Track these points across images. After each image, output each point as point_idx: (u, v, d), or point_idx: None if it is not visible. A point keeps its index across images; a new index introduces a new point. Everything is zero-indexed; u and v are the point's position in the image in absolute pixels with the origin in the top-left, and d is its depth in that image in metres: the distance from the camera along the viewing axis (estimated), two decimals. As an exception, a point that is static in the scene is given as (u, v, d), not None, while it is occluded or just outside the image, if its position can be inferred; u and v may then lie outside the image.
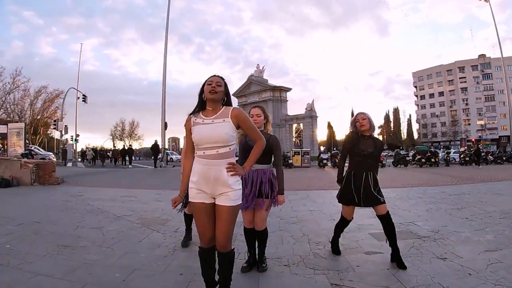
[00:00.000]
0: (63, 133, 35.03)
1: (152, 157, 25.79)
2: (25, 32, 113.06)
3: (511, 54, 56.87)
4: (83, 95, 37.83)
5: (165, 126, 25.55)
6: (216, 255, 2.57)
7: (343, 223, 4.01)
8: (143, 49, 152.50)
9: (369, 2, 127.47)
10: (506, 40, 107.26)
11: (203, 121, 2.51)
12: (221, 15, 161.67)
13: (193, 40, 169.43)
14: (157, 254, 3.98)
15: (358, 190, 3.69)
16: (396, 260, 3.53)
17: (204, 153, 2.45)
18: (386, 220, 3.64)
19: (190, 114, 2.61)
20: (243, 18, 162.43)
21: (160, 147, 25.07)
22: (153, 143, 25.31)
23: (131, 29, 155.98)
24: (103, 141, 60.56)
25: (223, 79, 2.63)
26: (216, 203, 2.47)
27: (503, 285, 2.96)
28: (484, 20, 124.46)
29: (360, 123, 3.81)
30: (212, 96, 2.51)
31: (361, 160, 3.75)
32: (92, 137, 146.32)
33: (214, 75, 2.62)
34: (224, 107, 2.58)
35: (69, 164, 29.01)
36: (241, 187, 2.54)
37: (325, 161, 24.79)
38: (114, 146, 33.84)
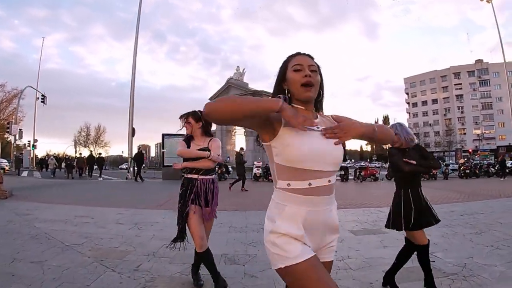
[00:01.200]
0: (17, 137, 33.34)
1: (134, 167, 23.43)
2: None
3: (508, 59, 57.70)
4: (42, 95, 36.17)
5: (132, 132, 24.55)
6: None
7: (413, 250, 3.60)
8: (113, 47, 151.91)
9: (358, 2, 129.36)
10: (503, 45, 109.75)
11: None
12: (198, 12, 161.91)
13: (168, 38, 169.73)
14: None
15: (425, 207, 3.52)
16: None
17: (310, 184, 1.56)
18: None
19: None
20: (222, 16, 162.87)
21: (127, 156, 24.04)
22: (137, 151, 23.10)
23: (100, 24, 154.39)
24: (65, 148, 58.63)
25: (313, 59, 1.76)
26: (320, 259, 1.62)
27: None
28: (480, 24, 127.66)
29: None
30: (308, 94, 1.64)
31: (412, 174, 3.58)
32: (53, 142, 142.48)
33: (300, 53, 1.76)
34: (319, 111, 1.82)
35: (24, 174, 27.87)
36: None
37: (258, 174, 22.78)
38: (80, 154, 31.59)
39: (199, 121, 3.72)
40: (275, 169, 1.63)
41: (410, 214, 3.43)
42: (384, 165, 42.01)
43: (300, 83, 1.63)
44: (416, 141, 3.78)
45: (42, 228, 6.51)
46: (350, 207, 9.53)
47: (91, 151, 25.76)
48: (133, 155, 23.00)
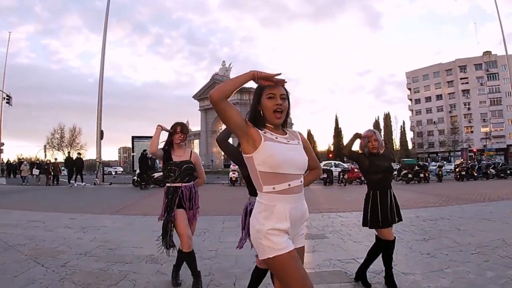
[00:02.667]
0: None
1: (138, 170, 22.02)
2: None
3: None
4: (7, 95, 36.29)
5: (101, 135, 24.78)
6: None
7: (382, 246, 4.25)
8: (89, 39, 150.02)
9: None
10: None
11: (276, 138, 2.19)
12: (183, 1, 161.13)
13: (150, 30, 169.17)
14: None
15: (387, 207, 4.13)
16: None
17: (290, 185, 2.15)
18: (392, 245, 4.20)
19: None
20: (210, 5, 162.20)
21: (96, 159, 24.03)
22: (142, 152, 21.29)
23: (75, 15, 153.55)
24: (37, 151, 57.92)
25: (284, 87, 2.28)
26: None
27: None
28: (490, 13, 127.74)
29: (372, 144, 4.24)
30: (278, 120, 2.22)
31: (381, 177, 4.21)
32: (23, 146, 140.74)
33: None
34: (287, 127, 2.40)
35: (-12, 181, 27.97)
36: None
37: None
38: (55, 158, 30.79)
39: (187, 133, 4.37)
40: (259, 177, 2.15)
41: (377, 214, 4.08)
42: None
43: (272, 110, 2.17)
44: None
45: None
46: (312, 212, 9.77)
47: (69, 152, 23.85)
48: (138, 158, 21.59)
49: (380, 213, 4.08)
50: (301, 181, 2.22)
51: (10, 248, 5.92)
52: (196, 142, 69.17)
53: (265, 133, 2.17)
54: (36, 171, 27.15)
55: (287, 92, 2.26)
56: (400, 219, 4.27)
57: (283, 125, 2.31)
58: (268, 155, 2.09)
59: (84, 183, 23.06)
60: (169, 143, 4.29)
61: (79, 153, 24.59)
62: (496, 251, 5.47)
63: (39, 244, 6.22)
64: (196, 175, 4.40)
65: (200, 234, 6.55)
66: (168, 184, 4.23)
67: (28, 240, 6.53)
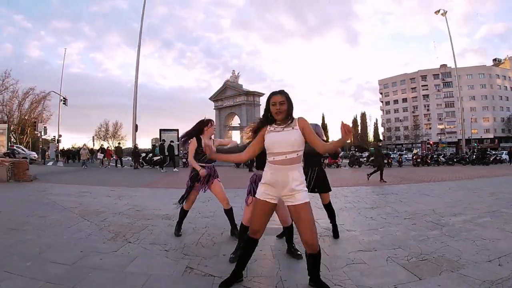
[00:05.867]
0: (42, 134, 34.05)
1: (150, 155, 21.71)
2: (14, 35, 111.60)
3: (472, 64, 57.77)
4: (64, 98, 36.73)
5: (136, 128, 25.04)
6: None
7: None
8: (127, 53, 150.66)
9: (340, 13, 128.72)
10: (468, 52, 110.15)
11: (274, 129, 2.71)
12: (201, 22, 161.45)
13: (175, 45, 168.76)
14: (75, 237, 4.41)
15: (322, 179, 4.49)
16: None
17: (274, 159, 2.64)
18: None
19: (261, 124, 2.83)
20: (223, 26, 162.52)
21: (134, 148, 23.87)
22: (170, 143, 20.62)
23: (116, 34, 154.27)
24: (87, 141, 58.13)
25: (284, 94, 2.76)
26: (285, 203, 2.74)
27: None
28: (447, 33, 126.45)
29: None
30: (279, 117, 2.69)
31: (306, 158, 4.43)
32: (76, 137, 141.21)
33: (275, 93, 2.75)
34: (293, 118, 2.75)
35: (50, 163, 28.14)
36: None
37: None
38: (119, 143, 29.04)
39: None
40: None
41: (310, 183, 4.36)
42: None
43: (274, 112, 2.69)
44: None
45: (52, 198, 7.64)
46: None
47: (172, 141, 21.00)
48: (167, 147, 20.71)
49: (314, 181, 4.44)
50: (286, 157, 2.59)
51: (65, 210, 6.31)
52: (212, 134, 67.81)
53: (270, 127, 2.73)
54: (100, 156, 25.26)
55: (287, 98, 2.72)
56: (320, 191, 4.48)
57: (287, 117, 2.70)
58: (266, 141, 2.68)
59: (176, 169, 19.93)
60: (200, 132, 4.38)
61: (171, 141, 21.10)
62: (424, 218, 5.60)
63: (86, 207, 6.55)
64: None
65: (205, 201, 6.83)
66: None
67: (78, 204, 6.90)
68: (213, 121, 4.57)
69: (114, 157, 26.09)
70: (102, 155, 25.27)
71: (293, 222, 3.33)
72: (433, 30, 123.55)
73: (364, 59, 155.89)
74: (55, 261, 3.40)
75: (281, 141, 2.61)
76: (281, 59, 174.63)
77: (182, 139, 4.50)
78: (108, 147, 27.19)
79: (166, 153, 20.38)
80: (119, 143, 25.42)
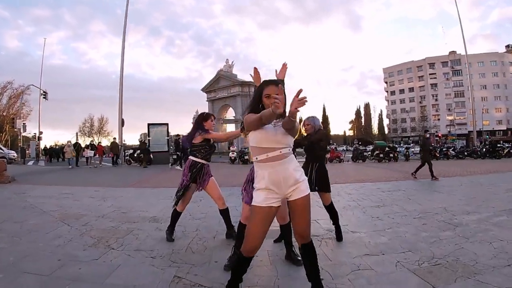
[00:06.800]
0: (21, 131, 33.66)
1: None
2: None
3: (483, 50, 57.67)
4: (44, 91, 35.92)
5: (122, 122, 24.71)
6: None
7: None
8: (112, 42, 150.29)
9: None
10: (478, 37, 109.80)
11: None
12: (191, 7, 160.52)
13: (163, 32, 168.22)
14: (53, 244, 4.30)
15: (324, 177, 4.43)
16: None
17: (268, 156, 2.49)
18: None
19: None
20: (214, 11, 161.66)
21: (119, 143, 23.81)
22: (176, 138, 20.33)
23: (100, 21, 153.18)
24: (71, 137, 57.71)
25: (278, 84, 2.57)
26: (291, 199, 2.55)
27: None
28: (456, 17, 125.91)
29: (305, 128, 4.49)
30: (280, 112, 2.19)
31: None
32: (58, 134, 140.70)
33: (269, 83, 2.57)
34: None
35: (30, 163, 27.83)
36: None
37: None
38: (114, 138, 27.39)
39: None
40: (250, 150, 2.60)
41: (311, 182, 4.25)
42: (350, 148, 41.99)
43: (268, 106, 2.43)
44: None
45: (31, 201, 7.47)
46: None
47: (178, 135, 20.07)
48: (174, 142, 20.69)
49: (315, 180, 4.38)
50: (281, 152, 2.46)
51: (44, 213, 6.19)
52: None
53: None
54: (90, 153, 23.86)
55: (283, 91, 2.56)
56: (320, 189, 4.40)
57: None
58: (257, 136, 2.50)
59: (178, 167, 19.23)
60: (201, 127, 4.37)
61: (180, 135, 20.69)
62: (435, 217, 5.52)
63: (66, 210, 6.44)
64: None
65: (196, 201, 6.67)
66: (194, 159, 4.38)
67: (58, 207, 6.76)
68: (214, 116, 4.61)
69: (110, 154, 25.55)
70: (92, 152, 23.85)
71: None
72: (440, 13, 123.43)
73: (367, 46, 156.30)
74: (30, 272, 3.30)
75: (274, 136, 2.47)
76: (277, 47, 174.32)
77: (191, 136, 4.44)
78: (99, 142, 26.53)
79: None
80: (114, 138, 24.45)
